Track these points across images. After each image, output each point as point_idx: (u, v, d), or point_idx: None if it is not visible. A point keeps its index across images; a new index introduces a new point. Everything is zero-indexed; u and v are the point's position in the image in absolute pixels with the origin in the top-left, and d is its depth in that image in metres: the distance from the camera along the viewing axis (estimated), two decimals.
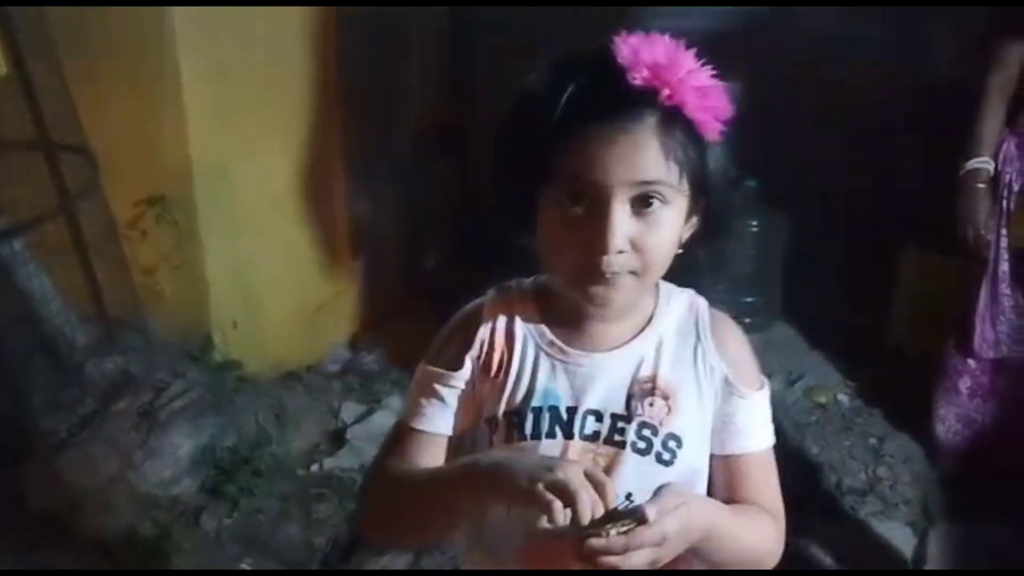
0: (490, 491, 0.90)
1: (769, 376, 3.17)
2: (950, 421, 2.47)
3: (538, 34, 3.30)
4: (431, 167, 3.51)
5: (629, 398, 1.00)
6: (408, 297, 3.32)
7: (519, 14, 3.38)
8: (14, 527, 2.10)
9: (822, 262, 3.09)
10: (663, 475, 0.98)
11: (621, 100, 0.89)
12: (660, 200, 0.92)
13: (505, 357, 1.02)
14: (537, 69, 0.94)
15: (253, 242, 2.68)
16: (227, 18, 2.48)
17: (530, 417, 1.00)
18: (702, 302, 1.09)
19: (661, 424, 1.00)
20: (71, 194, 2.39)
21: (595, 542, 0.83)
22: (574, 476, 0.84)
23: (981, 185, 2.19)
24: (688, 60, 0.92)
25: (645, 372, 1.01)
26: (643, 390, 1.00)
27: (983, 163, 2.18)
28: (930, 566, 2.18)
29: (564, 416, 1.00)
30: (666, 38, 0.92)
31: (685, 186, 0.94)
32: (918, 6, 3.04)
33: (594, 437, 0.99)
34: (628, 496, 0.91)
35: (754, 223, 3.23)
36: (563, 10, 3.29)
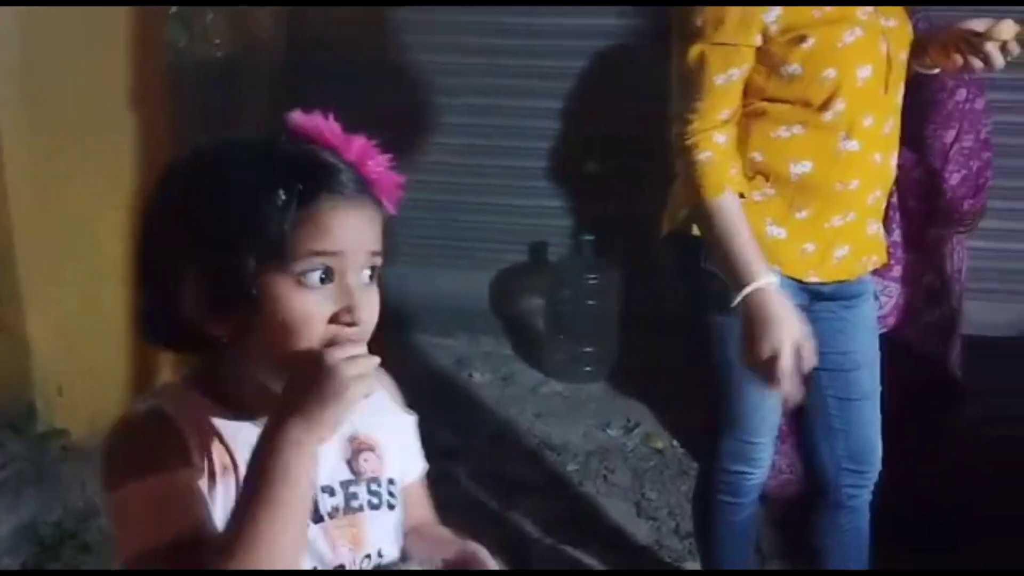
0: None
1: (608, 424, 3.26)
2: None
3: (380, 100, 3.34)
4: None
5: (349, 462, 1.02)
6: None
7: (363, 72, 3.41)
8: None
9: (659, 312, 3.21)
10: (392, 518, 1.05)
11: (348, 173, 0.93)
12: (376, 270, 0.95)
13: (228, 459, 0.95)
14: (211, 150, 0.95)
15: (79, 304, 2.56)
16: (48, 73, 2.39)
17: None
18: None
19: (380, 474, 1.04)
20: None
21: None
22: None
23: None
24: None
25: (347, 431, 1.02)
26: (355, 449, 1.02)
27: None
28: None
29: None
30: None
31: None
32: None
33: (335, 512, 0.99)
34: (379, 553, 1.01)
35: (592, 276, 3.34)
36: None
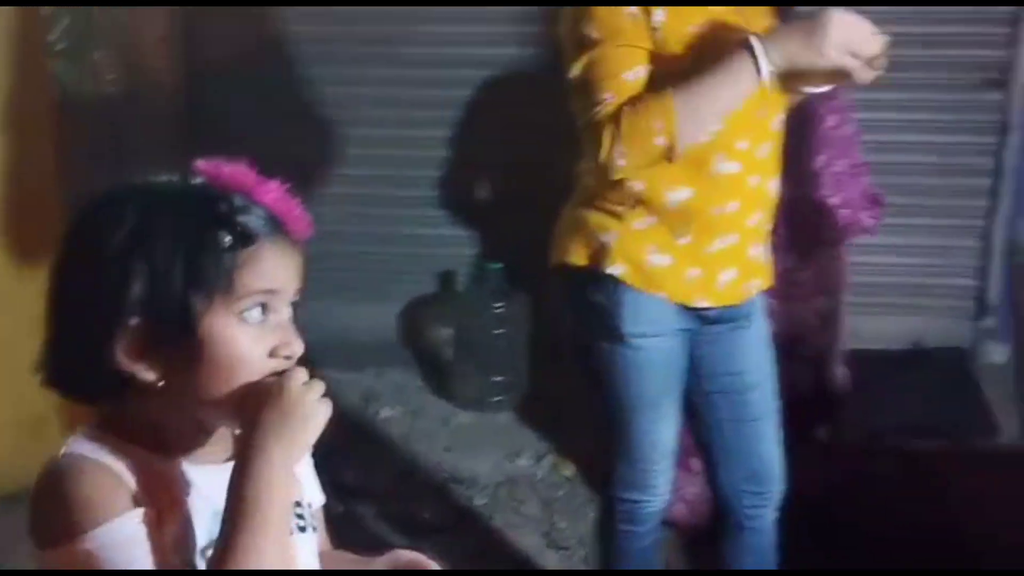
0: None
1: (519, 454, 3.25)
2: None
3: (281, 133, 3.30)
4: None
5: None
6: None
7: (263, 105, 3.36)
8: None
9: (567, 338, 3.21)
10: (315, 541, 1.10)
11: (274, 216, 0.97)
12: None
13: (169, 496, 0.96)
14: (135, 194, 0.96)
15: None
16: None
17: None
18: None
19: (303, 498, 1.08)
20: None
21: None
22: None
23: None
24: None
25: None
26: None
27: None
28: None
29: None
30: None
31: None
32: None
33: None
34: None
35: (499, 305, 3.34)
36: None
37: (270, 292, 0.95)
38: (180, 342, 0.91)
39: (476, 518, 2.71)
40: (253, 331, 0.94)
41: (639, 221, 1.70)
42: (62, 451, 0.97)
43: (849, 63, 1.52)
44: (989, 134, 3.29)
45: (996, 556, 2.42)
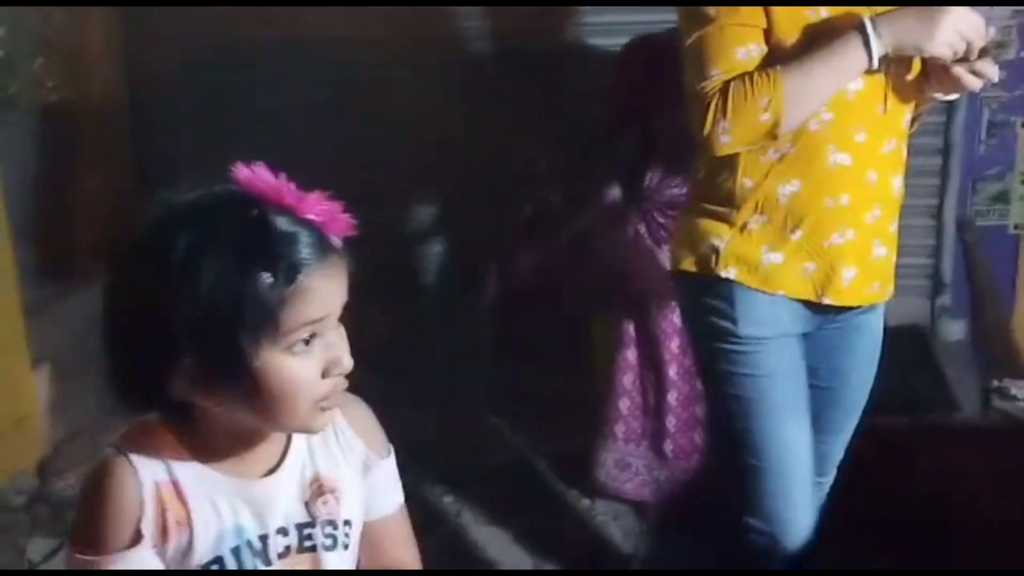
0: None
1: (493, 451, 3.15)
2: (608, 466, 2.62)
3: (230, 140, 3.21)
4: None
5: (307, 504, 1.08)
6: (103, 415, 3.05)
7: (212, 114, 3.29)
8: None
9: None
10: (345, 559, 1.10)
11: (317, 237, 0.96)
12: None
13: (183, 512, 1.01)
14: (184, 224, 0.94)
15: None
16: None
17: (231, 559, 1.03)
18: None
19: (338, 516, 1.10)
20: None
21: None
22: None
23: None
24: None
25: (308, 475, 1.09)
26: (314, 492, 1.08)
27: None
28: None
29: (259, 545, 1.05)
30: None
31: None
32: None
33: (286, 552, 1.06)
34: None
35: (462, 303, 3.30)
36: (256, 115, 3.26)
37: (316, 322, 0.95)
38: (233, 379, 0.94)
39: (448, 516, 2.69)
40: (302, 359, 0.96)
41: (749, 220, 1.66)
42: (109, 448, 1.01)
43: (959, 48, 1.51)
44: (936, 113, 3.34)
45: (970, 528, 2.43)
